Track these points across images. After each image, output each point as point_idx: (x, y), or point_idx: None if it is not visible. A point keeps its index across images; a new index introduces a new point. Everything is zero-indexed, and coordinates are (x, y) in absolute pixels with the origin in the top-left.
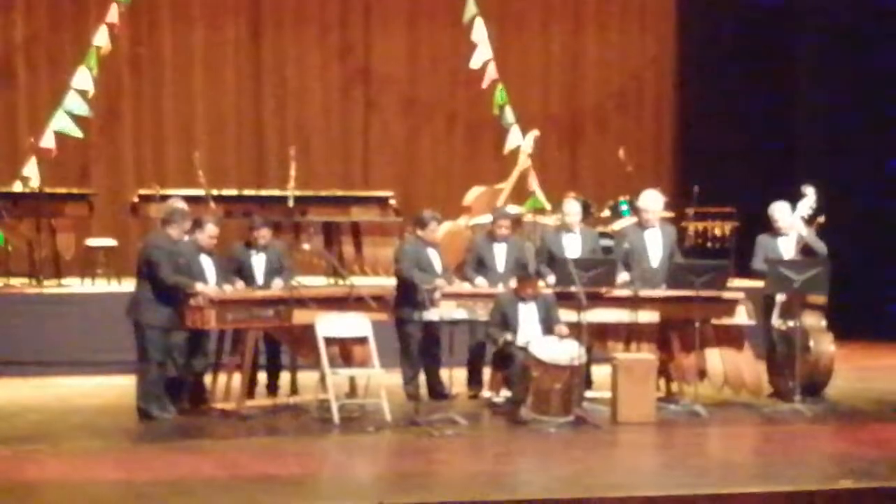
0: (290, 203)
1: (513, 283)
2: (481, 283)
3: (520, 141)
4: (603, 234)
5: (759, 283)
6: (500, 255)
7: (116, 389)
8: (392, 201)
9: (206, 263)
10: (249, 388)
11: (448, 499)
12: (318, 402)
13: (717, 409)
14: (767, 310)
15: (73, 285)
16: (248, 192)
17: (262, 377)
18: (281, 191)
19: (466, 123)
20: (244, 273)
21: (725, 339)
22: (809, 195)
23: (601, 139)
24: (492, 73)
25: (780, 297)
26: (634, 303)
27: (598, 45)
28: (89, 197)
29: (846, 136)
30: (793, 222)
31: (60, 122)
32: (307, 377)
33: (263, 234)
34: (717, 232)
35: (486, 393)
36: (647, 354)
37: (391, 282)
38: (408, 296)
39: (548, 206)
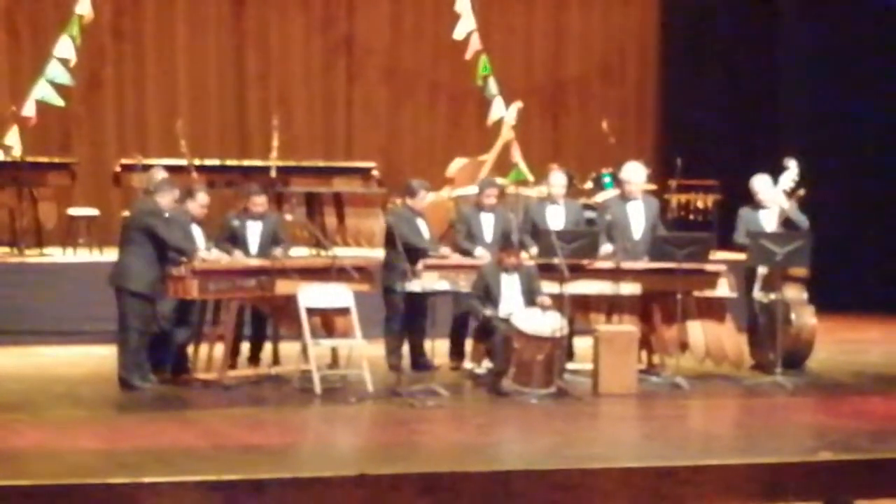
0: (273, 173)
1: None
2: (481, 253)
3: (503, 112)
4: (586, 206)
5: (741, 256)
6: (487, 225)
7: (98, 359)
8: (375, 172)
9: (197, 233)
10: (233, 359)
11: (429, 469)
12: (300, 372)
13: (699, 382)
14: (749, 282)
15: (55, 255)
16: (230, 161)
17: (245, 348)
18: (263, 161)
19: (449, 94)
20: (238, 242)
21: (707, 311)
22: (791, 168)
23: (584, 111)
24: (475, 43)
25: (761, 270)
26: (617, 275)
27: (581, 16)
28: (71, 166)
29: (828, 108)
30: (774, 195)
31: (42, 90)
32: (289, 348)
33: (260, 202)
34: (700, 204)
35: (468, 364)
36: (628, 326)
37: (374, 253)
38: (397, 265)
39: (530, 178)
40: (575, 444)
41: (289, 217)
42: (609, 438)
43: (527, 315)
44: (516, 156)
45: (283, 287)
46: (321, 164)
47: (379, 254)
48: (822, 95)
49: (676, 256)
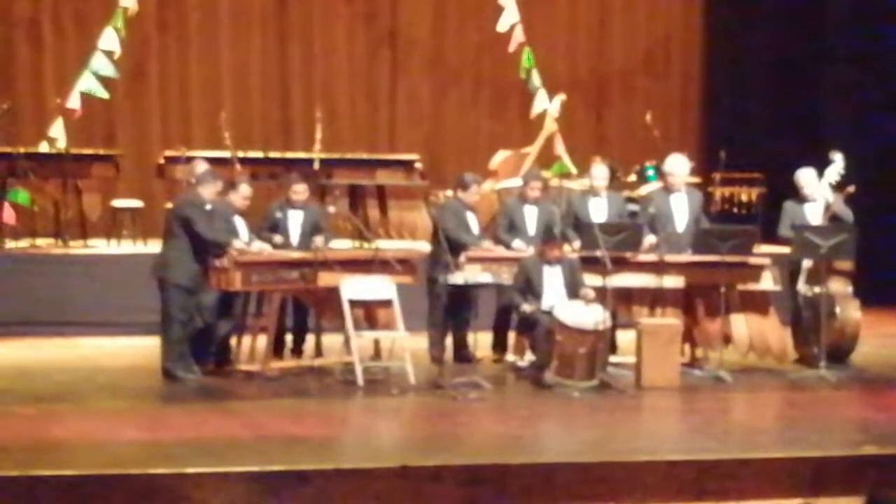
0: (316, 165)
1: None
2: (519, 245)
3: (546, 105)
4: (629, 199)
5: (786, 249)
6: (531, 217)
7: (141, 350)
8: (418, 165)
9: (240, 224)
10: (277, 350)
11: (471, 461)
12: (343, 364)
13: (742, 375)
14: (793, 275)
15: (99, 246)
16: (273, 154)
17: (289, 339)
18: (307, 153)
19: (493, 87)
20: (280, 232)
21: (751, 304)
22: (837, 161)
23: (628, 103)
24: (519, 36)
25: (806, 263)
26: (660, 268)
27: (625, 9)
28: (115, 158)
29: (874, 101)
30: (820, 189)
31: (87, 82)
32: (332, 340)
33: (301, 191)
34: (744, 198)
35: (510, 357)
36: (671, 319)
37: (416, 245)
38: (441, 257)
39: (574, 171)
40: (617, 438)
41: (332, 209)
42: (652, 432)
43: (569, 308)
44: (559, 148)
45: (325, 279)
46: (364, 156)
47: (421, 246)
48: (868, 88)
49: (720, 249)
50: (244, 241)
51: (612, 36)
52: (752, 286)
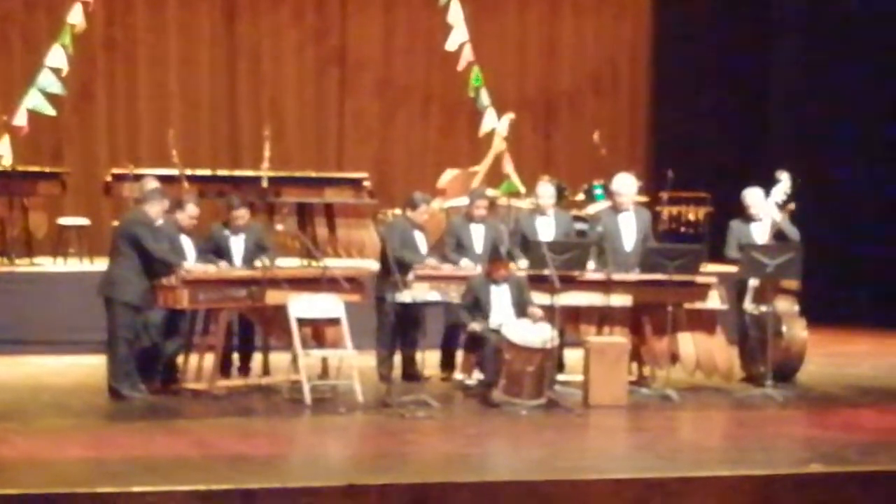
0: (264, 183)
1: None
2: (466, 263)
3: (495, 124)
4: (577, 218)
5: (732, 268)
6: (477, 236)
7: (88, 368)
8: (366, 183)
9: (186, 244)
10: (224, 369)
11: (418, 480)
12: (290, 382)
13: (689, 394)
14: (740, 294)
15: (45, 264)
16: (221, 172)
17: (236, 358)
18: (255, 171)
19: (442, 105)
20: (222, 254)
21: (698, 323)
22: (784, 181)
23: (576, 123)
24: (468, 55)
25: (752, 282)
26: (607, 286)
27: (573, 29)
28: (62, 175)
29: (820, 122)
30: (766, 208)
31: (33, 100)
32: (279, 358)
33: (241, 215)
34: (691, 217)
35: (458, 375)
36: (619, 338)
37: (364, 263)
38: (389, 275)
39: (522, 190)
40: (565, 456)
41: (280, 227)
42: (599, 450)
43: (517, 326)
44: (508, 167)
45: (273, 297)
46: (313, 174)
47: (370, 264)
48: (814, 109)
49: (667, 268)
50: (192, 262)
51: (561, 56)
52: (699, 305)
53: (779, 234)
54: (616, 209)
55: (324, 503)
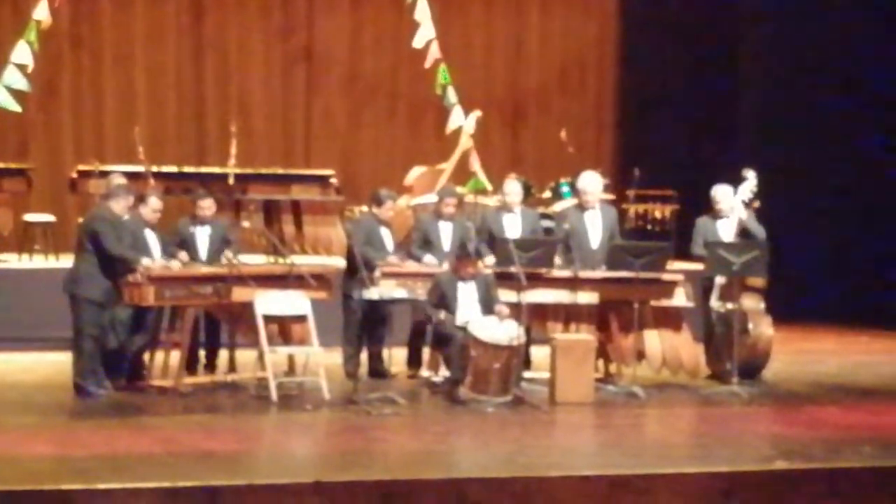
0: (231, 180)
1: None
2: (430, 260)
3: (462, 121)
4: (544, 216)
5: (699, 266)
6: (445, 233)
7: (53, 365)
8: (333, 180)
9: (151, 238)
10: (191, 366)
11: (385, 477)
12: (257, 379)
13: (655, 391)
14: (706, 292)
15: (11, 261)
16: (188, 168)
17: (203, 355)
18: (221, 168)
19: (409, 103)
20: (187, 248)
21: (664, 320)
22: (750, 179)
23: (543, 120)
24: (435, 52)
25: (719, 280)
26: (574, 284)
27: (540, 26)
28: (27, 172)
29: (786, 122)
30: (733, 205)
31: None
32: (246, 355)
33: (207, 206)
34: (658, 214)
35: (424, 372)
36: (585, 335)
37: (331, 260)
38: (356, 272)
39: (489, 187)
40: (531, 453)
41: (246, 224)
42: (565, 447)
43: (484, 323)
44: (475, 165)
45: (239, 294)
46: (279, 171)
47: (336, 261)
48: (780, 108)
49: (633, 266)
50: (156, 258)
51: (528, 54)
52: (665, 302)
53: (744, 233)
54: (582, 207)
55: (290, 500)
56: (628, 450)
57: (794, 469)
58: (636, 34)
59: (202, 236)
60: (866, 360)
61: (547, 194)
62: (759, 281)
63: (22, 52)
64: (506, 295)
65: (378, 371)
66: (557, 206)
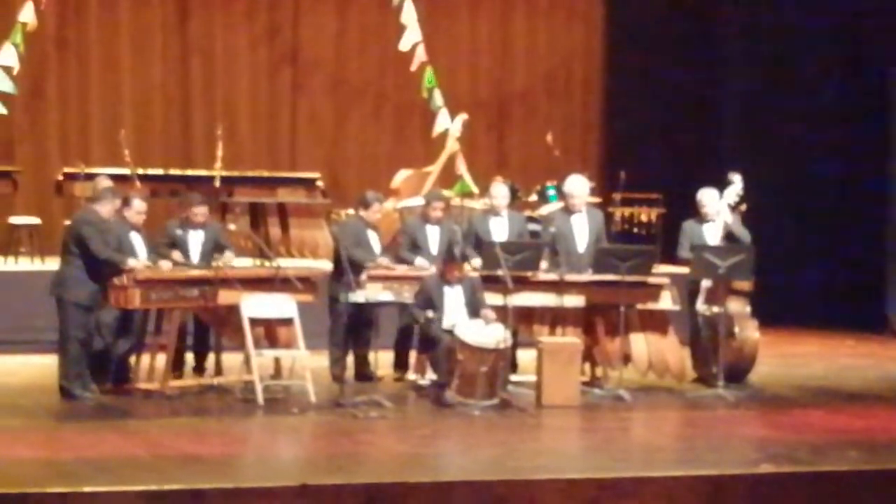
0: (217, 183)
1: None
2: (421, 262)
3: (448, 124)
4: (530, 219)
5: (685, 269)
6: (433, 237)
7: (38, 368)
8: (319, 183)
9: (136, 240)
10: (178, 369)
11: (372, 480)
12: (243, 383)
13: (641, 394)
14: (692, 295)
15: None
16: (174, 171)
17: (190, 358)
18: (207, 171)
19: (395, 106)
20: (179, 251)
21: (650, 324)
22: (736, 182)
23: (529, 124)
24: (421, 55)
25: (705, 283)
26: (560, 287)
27: (526, 30)
28: (13, 174)
29: (770, 124)
30: (719, 209)
31: None
32: (232, 358)
33: (201, 212)
34: (644, 218)
35: (411, 375)
36: (572, 338)
37: (317, 263)
38: (343, 275)
39: (475, 190)
40: (517, 456)
41: (232, 227)
42: (552, 450)
43: (470, 327)
44: (461, 168)
45: (225, 297)
46: (265, 174)
47: (323, 264)
48: (763, 111)
49: (620, 269)
50: (141, 259)
51: (514, 57)
52: (651, 306)
53: (730, 236)
54: (569, 210)
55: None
56: (615, 453)
57: (780, 472)
58: (622, 38)
59: (195, 241)
60: (852, 363)
61: (533, 197)
62: (745, 284)
63: (7, 55)
64: (492, 298)
65: (364, 374)
66: (544, 210)
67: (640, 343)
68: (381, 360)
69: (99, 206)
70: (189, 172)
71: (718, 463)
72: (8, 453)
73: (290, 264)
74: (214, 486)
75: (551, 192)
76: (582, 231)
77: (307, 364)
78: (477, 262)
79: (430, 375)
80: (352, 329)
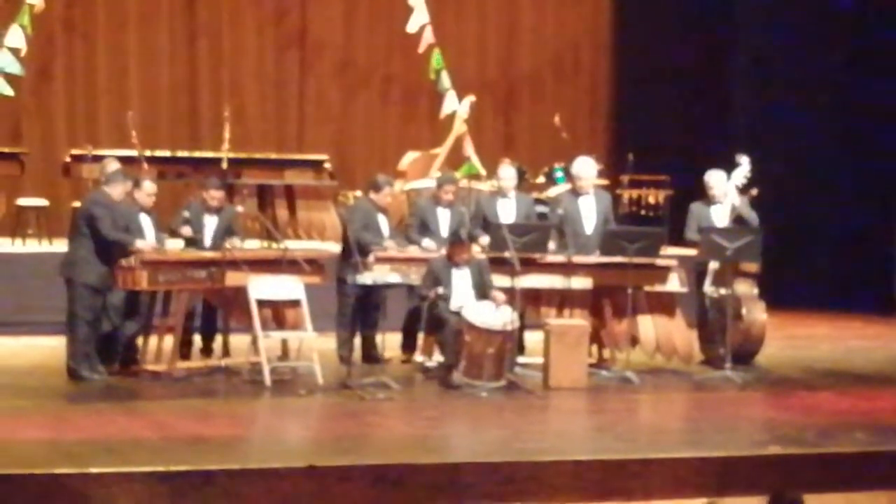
0: (224, 165)
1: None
2: (429, 244)
3: (456, 106)
4: (538, 201)
5: (692, 251)
6: (443, 219)
7: (46, 350)
8: (327, 165)
9: (145, 222)
10: (185, 350)
11: (379, 461)
12: (250, 364)
13: (649, 376)
14: (700, 277)
15: (4, 245)
16: (181, 153)
17: (198, 339)
18: (215, 152)
19: (402, 88)
20: (194, 233)
21: (658, 305)
22: (744, 164)
23: (537, 106)
24: (428, 37)
25: (712, 265)
26: (568, 269)
27: (534, 11)
28: (20, 156)
29: (779, 107)
30: (727, 191)
31: None
32: (239, 340)
33: (216, 196)
34: (651, 200)
35: (418, 357)
36: (579, 320)
37: (325, 245)
38: (351, 257)
39: (483, 172)
40: (525, 438)
41: (240, 209)
42: (559, 432)
43: (478, 308)
44: (469, 150)
45: (233, 279)
46: (273, 156)
47: (330, 246)
48: (773, 93)
49: (627, 251)
50: (151, 241)
51: (522, 38)
52: (658, 288)
53: (738, 218)
54: (576, 192)
55: (284, 484)
56: (622, 435)
57: (787, 454)
58: (630, 19)
59: (209, 223)
60: (859, 345)
61: (541, 179)
62: (752, 266)
63: (15, 36)
64: (499, 280)
65: (372, 356)
66: (551, 192)
67: (648, 325)
68: (389, 341)
69: (110, 189)
70: (196, 154)
71: (725, 444)
72: (15, 434)
73: (297, 246)
74: (222, 468)
75: (559, 174)
76: (589, 213)
77: (314, 346)
78: (485, 239)
79: (438, 357)
80: (359, 311)
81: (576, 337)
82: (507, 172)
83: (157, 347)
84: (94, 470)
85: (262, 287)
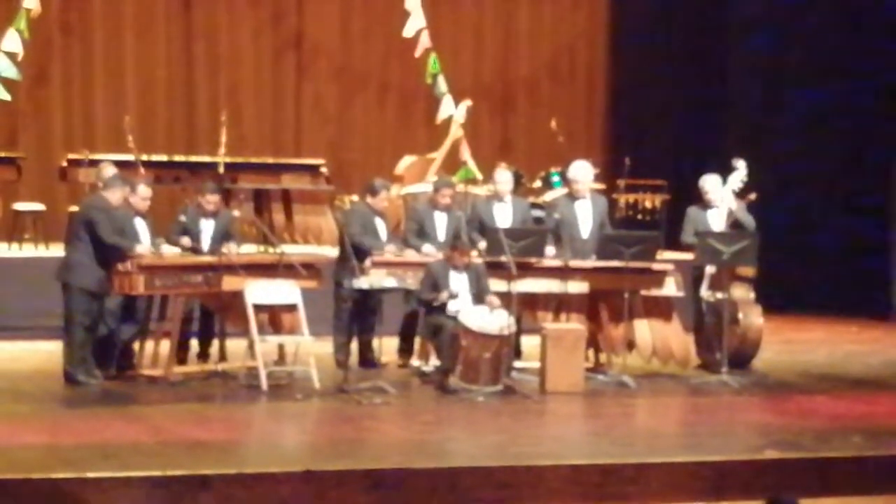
0: (221, 169)
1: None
2: (428, 249)
3: (452, 110)
4: (534, 205)
5: (689, 255)
6: (440, 223)
7: (43, 354)
8: (323, 169)
9: (140, 226)
10: (183, 355)
11: (375, 466)
12: (247, 369)
13: (645, 380)
14: (696, 281)
15: (0, 250)
16: (178, 157)
17: (195, 344)
18: (211, 157)
19: (399, 92)
20: (190, 238)
21: (654, 310)
22: (740, 169)
23: (533, 110)
24: (425, 41)
25: (709, 269)
26: (564, 273)
27: (530, 15)
28: (17, 161)
29: (775, 112)
30: (723, 195)
31: None
32: (236, 344)
33: (214, 200)
34: (648, 204)
35: (415, 362)
36: (576, 325)
37: (321, 250)
38: (347, 261)
39: (479, 177)
40: (521, 442)
41: (236, 213)
42: (555, 436)
43: (474, 313)
44: (465, 154)
45: (230, 283)
46: (270, 160)
47: (326, 251)
48: (769, 99)
49: (624, 255)
50: (147, 245)
51: (518, 42)
52: (655, 292)
53: (735, 223)
54: (573, 196)
55: (281, 489)
56: (618, 439)
57: (784, 458)
58: (626, 22)
59: (206, 228)
60: (856, 349)
61: (537, 184)
62: (749, 270)
63: (11, 41)
64: (496, 284)
65: (368, 360)
66: (548, 196)
67: (644, 329)
68: (385, 346)
69: (108, 193)
70: (193, 159)
71: (722, 449)
72: (12, 439)
73: (294, 250)
74: (218, 472)
75: (555, 178)
76: (586, 217)
77: (311, 350)
78: (482, 243)
79: (434, 362)
80: (356, 315)
81: (572, 341)
82: (504, 176)
83: (154, 352)
84: (91, 475)
85: (258, 291)
